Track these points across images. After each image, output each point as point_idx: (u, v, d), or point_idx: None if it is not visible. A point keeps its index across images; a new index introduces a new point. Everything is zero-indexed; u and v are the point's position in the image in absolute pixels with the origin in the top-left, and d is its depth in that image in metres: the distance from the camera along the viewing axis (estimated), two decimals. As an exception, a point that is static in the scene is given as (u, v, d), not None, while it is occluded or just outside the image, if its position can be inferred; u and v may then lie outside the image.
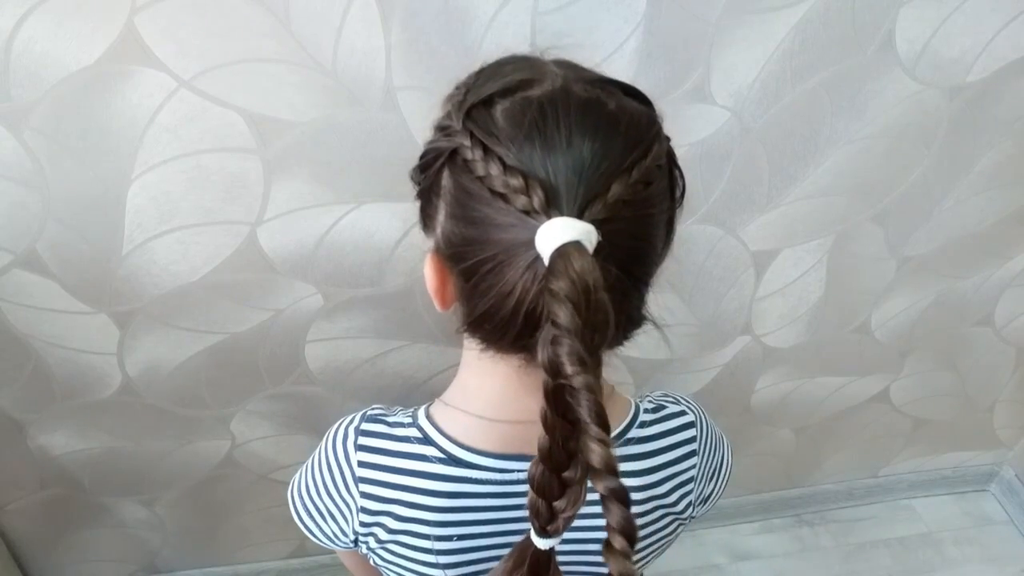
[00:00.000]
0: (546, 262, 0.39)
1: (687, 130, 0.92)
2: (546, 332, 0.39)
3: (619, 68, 0.84)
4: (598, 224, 0.40)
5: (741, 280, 1.12)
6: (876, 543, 1.54)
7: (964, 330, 1.32)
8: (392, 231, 0.93)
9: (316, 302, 0.99)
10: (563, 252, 0.39)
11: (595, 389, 0.38)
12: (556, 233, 0.39)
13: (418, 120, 0.83)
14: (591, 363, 0.38)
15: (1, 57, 0.72)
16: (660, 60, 0.85)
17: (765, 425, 1.38)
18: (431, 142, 0.48)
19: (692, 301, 1.13)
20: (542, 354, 0.39)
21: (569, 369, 0.38)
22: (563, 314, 0.38)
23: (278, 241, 0.91)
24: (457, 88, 0.49)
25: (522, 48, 0.79)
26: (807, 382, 1.32)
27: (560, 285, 0.38)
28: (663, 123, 0.48)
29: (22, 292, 0.90)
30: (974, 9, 0.89)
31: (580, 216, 0.41)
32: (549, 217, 0.40)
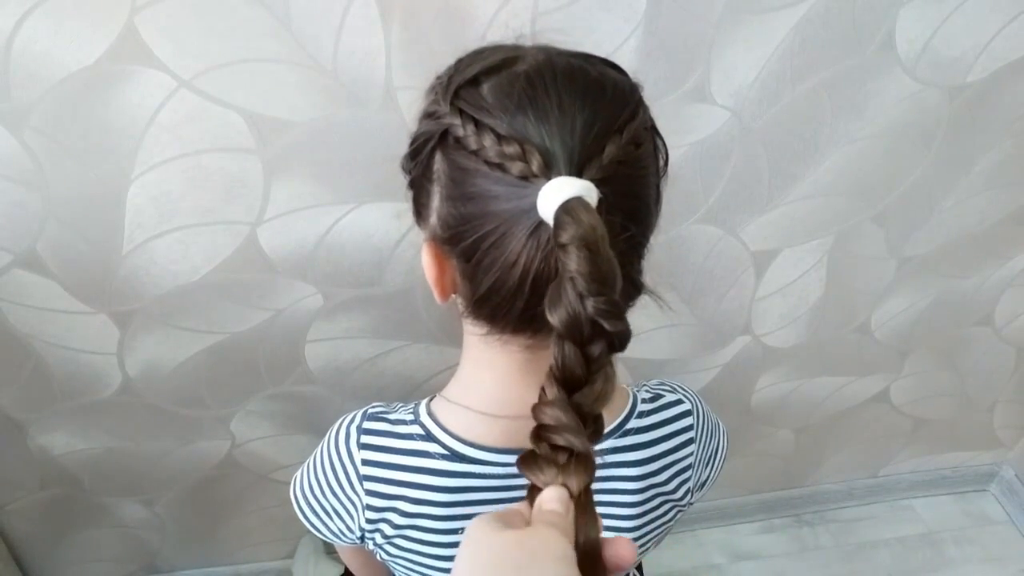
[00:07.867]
0: (550, 222, 0.39)
1: (687, 130, 0.91)
2: (561, 287, 0.38)
3: (619, 68, 0.84)
4: (596, 184, 0.41)
5: (741, 280, 1.12)
6: (876, 543, 1.54)
7: (964, 330, 1.32)
8: (392, 231, 0.93)
9: (316, 302, 0.99)
10: (568, 207, 0.38)
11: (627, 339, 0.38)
12: (558, 192, 0.39)
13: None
14: (619, 309, 0.37)
15: (1, 57, 0.72)
16: (660, 60, 0.84)
17: (765, 425, 1.38)
18: (419, 130, 0.48)
19: (692, 301, 1.13)
20: (561, 311, 0.37)
21: (607, 323, 0.37)
22: (579, 262, 0.37)
23: (278, 241, 0.91)
24: (438, 78, 0.49)
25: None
26: (807, 382, 1.32)
27: (570, 236, 0.37)
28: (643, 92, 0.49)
29: (22, 292, 0.90)
30: (974, 9, 0.89)
31: (579, 176, 0.41)
32: (548, 179, 0.40)
